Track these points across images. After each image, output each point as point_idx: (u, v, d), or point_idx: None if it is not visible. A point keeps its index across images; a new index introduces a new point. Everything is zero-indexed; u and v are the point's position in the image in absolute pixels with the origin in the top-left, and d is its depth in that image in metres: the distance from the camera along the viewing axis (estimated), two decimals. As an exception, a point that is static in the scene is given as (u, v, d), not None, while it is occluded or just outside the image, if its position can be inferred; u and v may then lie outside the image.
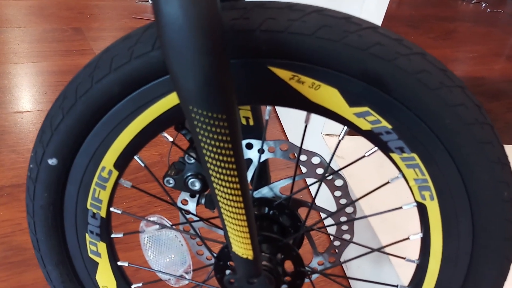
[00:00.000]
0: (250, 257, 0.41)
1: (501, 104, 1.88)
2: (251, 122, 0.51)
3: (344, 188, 0.55)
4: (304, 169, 0.54)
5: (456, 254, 0.47)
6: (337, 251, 0.60)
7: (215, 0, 0.32)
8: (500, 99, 1.93)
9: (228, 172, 0.37)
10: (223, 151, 0.36)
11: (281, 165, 1.17)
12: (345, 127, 0.45)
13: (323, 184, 0.54)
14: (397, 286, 0.54)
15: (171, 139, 0.48)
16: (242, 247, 0.40)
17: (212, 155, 0.36)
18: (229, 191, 0.38)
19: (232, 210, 0.39)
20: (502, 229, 0.45)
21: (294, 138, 1.26)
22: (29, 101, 1.28)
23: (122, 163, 0.48)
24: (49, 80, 1.38)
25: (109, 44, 0.42)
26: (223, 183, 0.37)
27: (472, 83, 2.01)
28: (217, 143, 0.35)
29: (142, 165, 0.49)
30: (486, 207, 0.43)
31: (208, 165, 0.37)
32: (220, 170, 0.37)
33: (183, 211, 0.54)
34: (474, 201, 0.43)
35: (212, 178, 0.37)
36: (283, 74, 0.41)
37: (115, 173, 0.49)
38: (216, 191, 0.38)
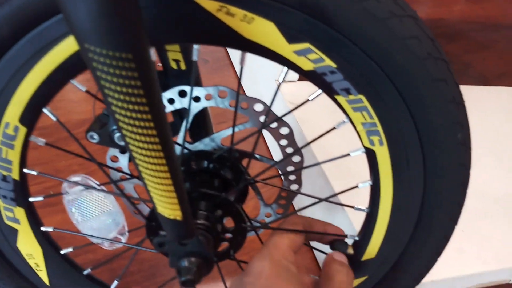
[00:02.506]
0: (179, 218, 0.36)
1: (459, 46, 1.87)
2: (183, 66, 0.45)
3: (290, 136, 0.50)
4: (247, 118, 0.49)
5: (407, 202, 0.44)
6: (285, 202, 0.57)
7: None
8: (458, 41, 1.91)
9: (141, 123, 0.31)
10: (133, 99, 0.29)
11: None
12: (285, 68, 0.39)
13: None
14: (346, 236, 0.51)
15: (84, 89, 0.42)
16: (168, 208, 0.36)
17: (119, 103, 0.30)
18: (146, 145, 0.32)
19: (152, 167, 0.33)
20: (455, 174, 0.42)
21: (249, 86, 1.20)
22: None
23: (29, 117, 0.41)
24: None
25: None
26: (138, 137, 0.31)
27: (431, 24, 1.97)
28: (124, 89, 0.29)
29: (54, 119, 0.42)
30: (439, 151, 0.40)
31: (117, 115, 0.30)
32: (131, 121, 0.30)
33: (104, 168, 0.48)
34: (426, 145, 0.40)
35: (124, 132, 0.31)
36: (209, 5, 0.34)
37: (23, 130, 0.42)
38: (130, 147, 0.32)
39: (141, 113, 0.30)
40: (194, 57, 0.38)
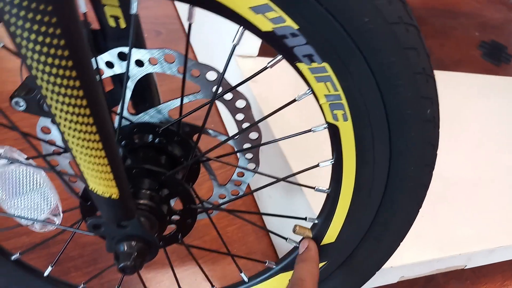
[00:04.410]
0: (115, 196, 0.31)
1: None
2: (123, 24, 0.39)
3: (247, 110, 0.46)
4: (199, 87, 0.44)
5: (370, 182, 0.41)
6: (241, 182, 0.53)
7: None
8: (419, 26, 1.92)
9: (65, 82, 0.25)
10: (52, 50, 0.24)
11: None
12: (241, 28, 0.34)
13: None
14: (305, 218, 0.48)
15: (1, 44, 0.35)
16: (101, 184, 0.30)
17: (36, 56, 0.24)
18: (71, 109, 0.27)
19: (80, 136, 0.28)
20: (422, 153, 0.39)
21: (205, 58, 1.14)
22: None
23: None
24: None
25: None
26: (61, 99, 0.26)
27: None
28: (39, 37, 0.23)
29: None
30: (406, 127, 0.37)
31: (34, 71, 0.25)
32: (53, 79, 0.25)
33: (32, 140, 0.42)
34: (393, 121, 0.37)
35: (44, 92, 0.26)
36: None
37: None
38: (53, 111, 0.27)
39: (62, 66, 0.24)
40: (133, 10, 0.32)
